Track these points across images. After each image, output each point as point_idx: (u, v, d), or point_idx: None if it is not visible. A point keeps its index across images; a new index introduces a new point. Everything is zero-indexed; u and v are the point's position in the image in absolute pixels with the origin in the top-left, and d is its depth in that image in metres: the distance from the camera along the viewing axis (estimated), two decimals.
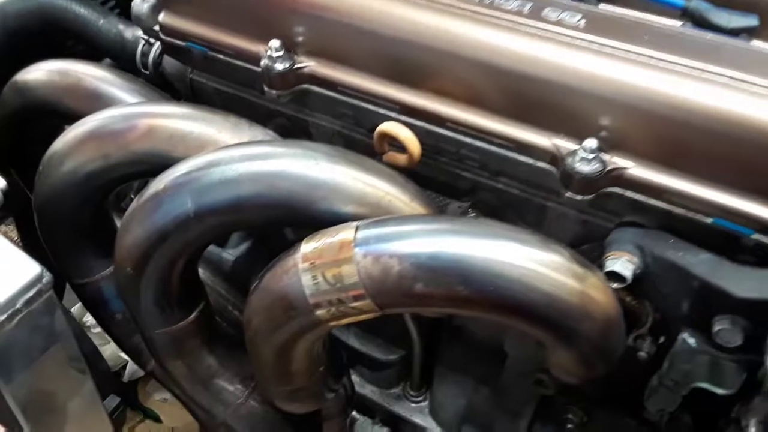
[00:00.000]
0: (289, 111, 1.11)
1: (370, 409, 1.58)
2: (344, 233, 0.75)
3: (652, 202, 0.85)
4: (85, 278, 1.08)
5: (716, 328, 0.81)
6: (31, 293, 0.87)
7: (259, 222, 0.84)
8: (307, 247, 0.77)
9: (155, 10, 1.15)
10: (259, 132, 0.94)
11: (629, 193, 0.86)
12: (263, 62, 1.01)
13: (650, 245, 0.86)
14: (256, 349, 0.88)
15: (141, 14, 1.15)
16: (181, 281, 0.93)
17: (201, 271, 1.15)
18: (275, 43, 0.99)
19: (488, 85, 0.90)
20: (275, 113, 1.13)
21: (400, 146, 0.94)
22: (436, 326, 1.37)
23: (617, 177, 0.85)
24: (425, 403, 1.49)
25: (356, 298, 0.73)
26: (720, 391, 0.86)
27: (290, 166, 0.81)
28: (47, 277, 0.88)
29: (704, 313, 0.82)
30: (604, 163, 0.84)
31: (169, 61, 1.28)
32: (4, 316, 0.84)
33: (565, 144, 0.87)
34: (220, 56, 1.09)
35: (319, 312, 0.76)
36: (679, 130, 0.81)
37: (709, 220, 0.83)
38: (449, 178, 1.02)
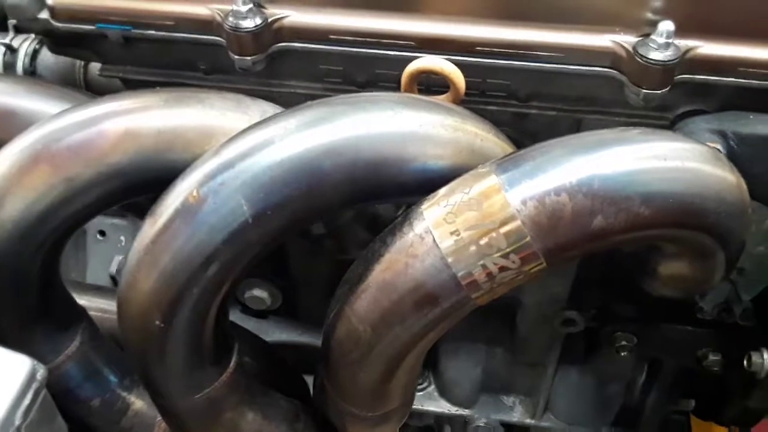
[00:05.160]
0: (250, 85, 0.89)
1: None
2: (482, 182, 0.58)
3: (725, 79, 0.78)
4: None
5: None
6: (28, 399, 0.59)
7: (335, 207, 0.64)
8: (434, 213, 0.59)
9: None
10: (267, 106, 0.73)
11: (700, 76, 0.78)
12: (228, 22, 0.78)
13: (731, 127, 0.79)
14: (355, 371, 0.68)
15: (19, 1, 0.84)
16: (217, 323, 0.70)
17: None
18: None
19: None
20: None
21: (436, 85, 0.78)
22: None
23: (690, 60, 0.77)
24: (431, 388, 1.35)
25: (525, 260, 0.57)
26: None
27: (368, 123, 0.62)
28: (41, 371, 0.61)
29: None
30: (677, 47, 0.75)
31: (48, 65, 0.99)
32: None
33: (624, 38, 0.77)
34: (151, 32, 0.83)
35: (475, 293, 0.59)
36: None
37: None
38: None
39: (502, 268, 0.58)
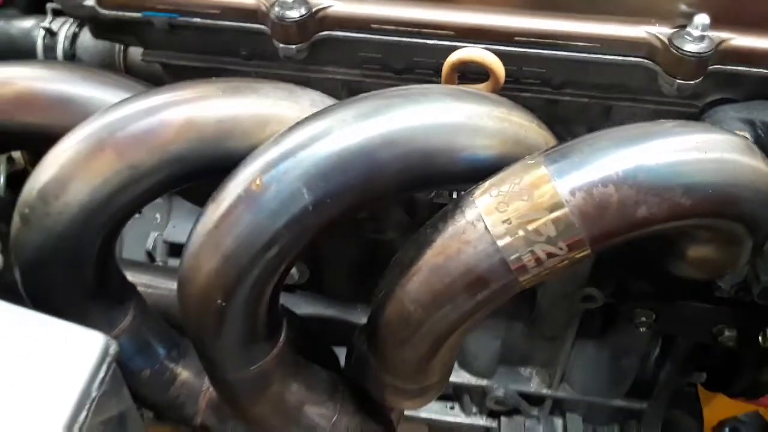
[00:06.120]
0: (290, 71, 0.92)
1: None
2: (531, 172, 0.62)
3: (756, 70, 0.81)
4: None
5: None
6: (102, 372, 0.63)
7: (390, 194, 0.67)
8: (486, 201, 0.62)
9: None
10: (315, 95, 0.76)
11: (731, 67, 0.81)
12: (274, 12, 0.81)
13: (759, 116, 0.82)
14: (403, 348, 0.72)
15: None
16: (271, 301, 0.73)
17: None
18: None
19: None
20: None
21: (472, 73, 0.81)
22: None
23: (723, 51, 0.80)
24: None
25: (571, 247, 0.61)
26: None
27: (422, 114, 0.65)
28: (113, 345, 0.65)
29: None
30: (711, 39, 0.78)
31: (87, 49, 1.02)
32: (84, 414, 0.60)
33: (659, 30, 0.80)
34: (196, 20, 0.86)
35: (524, 277, 0.62)
36: None
37: None
38: None
39: (550, 254, 0.61)
